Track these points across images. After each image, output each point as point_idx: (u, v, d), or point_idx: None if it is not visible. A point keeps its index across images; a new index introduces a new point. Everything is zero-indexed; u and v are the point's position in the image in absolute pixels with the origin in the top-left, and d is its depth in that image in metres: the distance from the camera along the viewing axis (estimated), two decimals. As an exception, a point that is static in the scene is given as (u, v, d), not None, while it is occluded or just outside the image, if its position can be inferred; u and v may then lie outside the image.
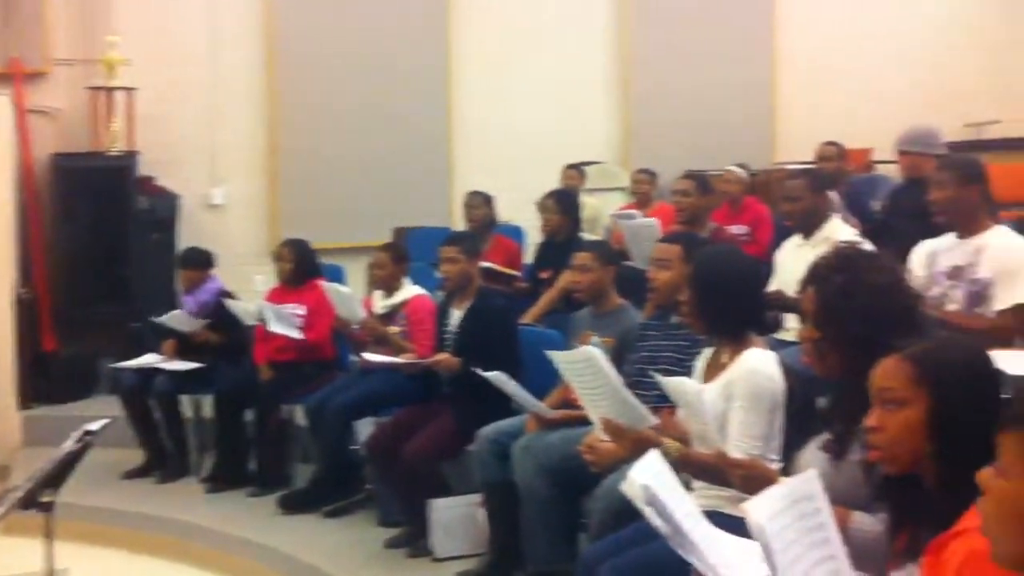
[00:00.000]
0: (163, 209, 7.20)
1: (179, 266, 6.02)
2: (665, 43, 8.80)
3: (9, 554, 4.14)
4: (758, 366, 2.73)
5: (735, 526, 1.94)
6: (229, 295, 5.82)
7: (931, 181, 3.88)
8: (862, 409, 1.88)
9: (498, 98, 8.38)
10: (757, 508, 1.62)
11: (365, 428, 4.83)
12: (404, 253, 5.28)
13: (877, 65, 9.26)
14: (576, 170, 7.70)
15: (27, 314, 6.66)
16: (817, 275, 2.29)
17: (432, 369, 4.55)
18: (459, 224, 6.88)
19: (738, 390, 2.72)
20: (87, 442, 3.26)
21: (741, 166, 6.85)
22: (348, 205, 7.86)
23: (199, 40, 7.59)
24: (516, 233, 7.13)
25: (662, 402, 2.79)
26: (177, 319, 5.70)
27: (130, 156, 7.10)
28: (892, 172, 6.61)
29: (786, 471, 2.37)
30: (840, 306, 2.20)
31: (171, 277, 6.56)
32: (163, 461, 5.65)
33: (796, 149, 8.23)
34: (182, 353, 5.71)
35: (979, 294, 3.69)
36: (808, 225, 4.49)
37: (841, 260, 2.29)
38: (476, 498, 4.14)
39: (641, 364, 3.31)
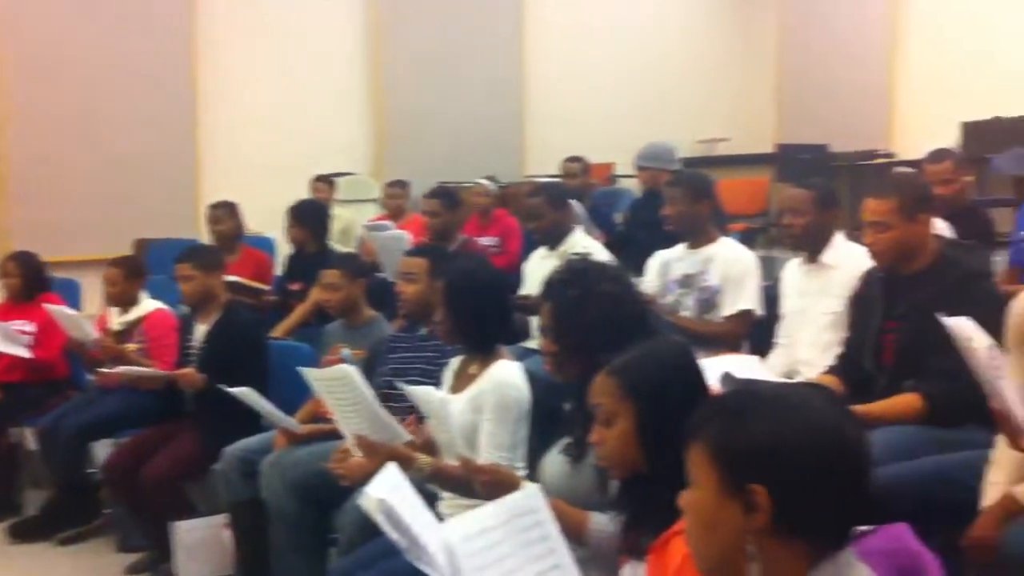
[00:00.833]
0: None
1: None
2: (417, 55, 8.86)
3: None
4: (506, 378, 2.78)
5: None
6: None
7: (665, 196, 4.10)
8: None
9: (246, 105, 8.17)
10: (454, 526, 1.67)
11: (103, 450, 4.58)
12: (139, 267, 5.04)
13: (618, 83, 9.68)
14: (325, 181, 7.62)
15: None
16: (552, 289, 2.37)
17: (174, 387, 4.37)
18: (206, 236, 6.65)
19: (487, 402, 2.76)
20: None
21: (490, 179, 6.99)
22: (84, 216, 7.43)
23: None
24: (266, 244, 6.97)
25: (409, 414, 2.80)
26: None
27: None
28: (633, 186, 6.93)
29: (532, 476, 2.44)
30: (574, 317, 2.28)
31: None
32: None
33: (546, 162, 8.49)
34: None
35: (708, 301, 3.92)
36: (552, 239, 4.65)
37: (573, 273, 2.38)
38: (222, 519, 4.01)
39: (391, 376, 3.30)
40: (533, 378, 2.84)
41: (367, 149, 8.83)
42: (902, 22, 9.59)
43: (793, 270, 3.77)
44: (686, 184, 4.08)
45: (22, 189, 7.31)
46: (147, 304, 4.88)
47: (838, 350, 3.31)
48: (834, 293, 3.50)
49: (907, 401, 2.88)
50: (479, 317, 2.84)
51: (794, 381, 3.10)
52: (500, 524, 1.76)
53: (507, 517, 1.77)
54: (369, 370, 3.48)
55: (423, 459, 2.63)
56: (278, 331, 5.13)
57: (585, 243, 4.55)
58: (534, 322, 4.16)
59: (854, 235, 3.53)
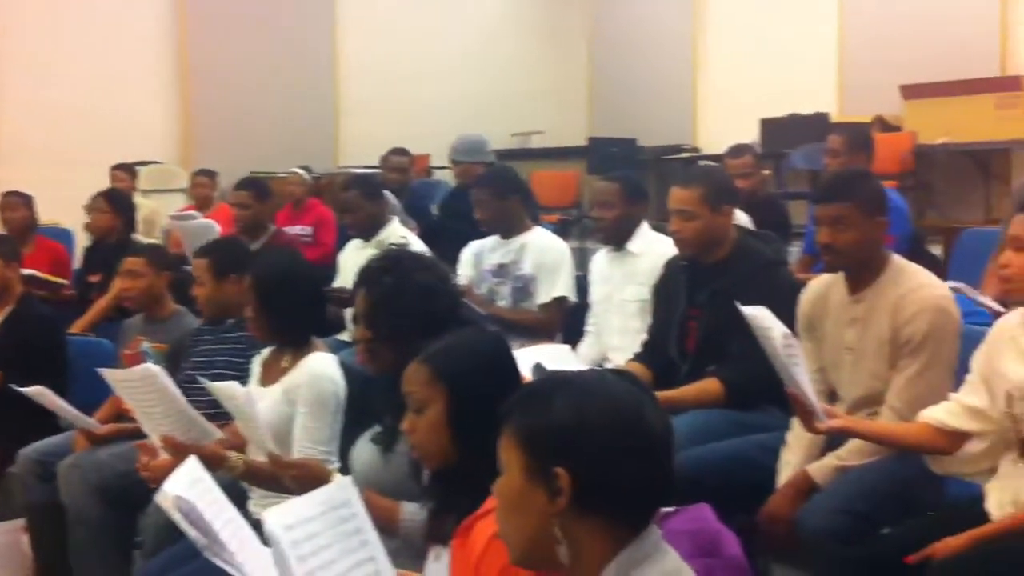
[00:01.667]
0: None
1: None
2: (226, 40, 8.59)
3: None
4: (321, 370, 2.74)
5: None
6: None
7: (473, 200, 4.13)
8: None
9: (42, 91, 7.73)
10: (275, 516, 1.65)
11: None
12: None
13: (434, 75, 9.67)
14: (126, 171, 7.29)
15: None
16: (367, 277, 2.35)
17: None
18: (-2, 226, 6.26)
19: (301, 396, 2.70)
20: None
21: (304, 168, 6.87)
22: None
23: None
24: (64, 237, 6.62)
25: (215, 409, 2.71)
26: None
27: None
28: (449, 177, 6.94)
29: (345, 469, 2.41)
30: (389, 305, 2.27)
31: None
32: None
33: (360, 153, 8.40)
34: None
35: (523, 290, 3.98)
36: (368, 231, 4.61)
37: (389, 262, 2.37)
38: (19, 523, 3.81)
39: (195, 370, 3.20)
40: (348, 370, 2.81)
41: (174, 137, 8.52)
42: (703, 24, 9.96)
43: (601, 259, 3.86)
44: (491, 184, 4.12)
45: None
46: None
47: (645, 337, 3.41)
48: (640, 281, 3.61)
49: (708, 386, 3.00)
50: (289, 310, 2.79)
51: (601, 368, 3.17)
52: (317, 515, 1.73)
53: (323, 509, 1.74)
54: (173, 365, 3.37)
55: (234, 457, 2.56)
56: (77, 327, 4.88)
57: (401, 234, 4.53)
58: (348, 314, 4.11)
59: (660, 225, 3.65)
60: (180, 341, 3.61)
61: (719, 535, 1.68)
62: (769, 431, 2.82)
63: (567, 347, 3.53)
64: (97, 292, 5.14)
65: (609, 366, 3.49)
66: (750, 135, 8.31)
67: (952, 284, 3.11)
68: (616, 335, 3.68)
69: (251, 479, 2.63)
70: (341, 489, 1.79)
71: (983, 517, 2.22)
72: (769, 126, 8.67)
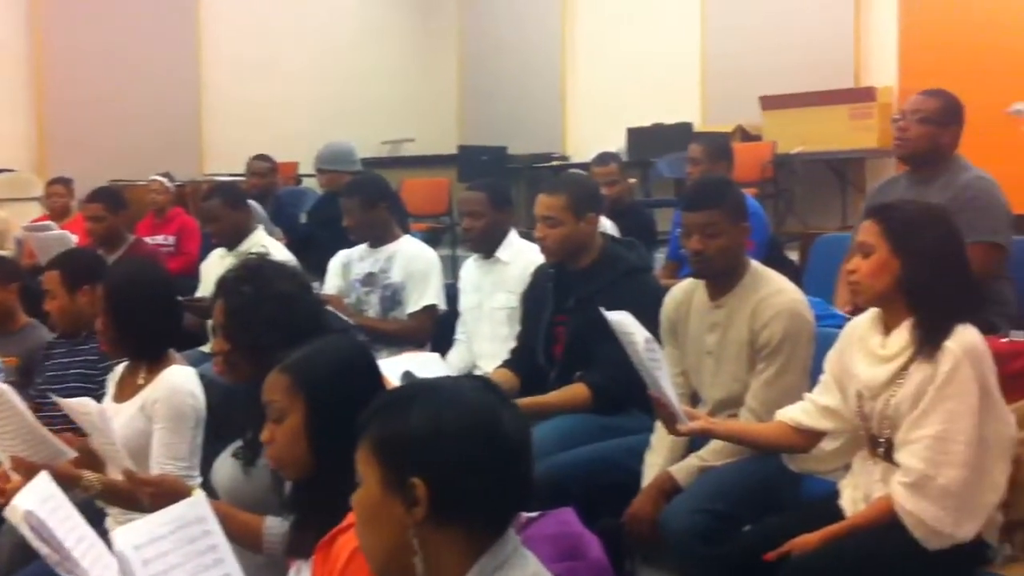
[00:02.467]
0: None
1: None
2: (82, 42, 8.29)
3: None
4: (179, 385, 2.66)
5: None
6: None
7: (342, 208, 4.09)
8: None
9: None
10: (124, 534, 1.60)
11: None
12: None
13: (303, 82, 9.55)
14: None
15: None
16: (225, 286, 2.30)
17: None
18: None
19: (159, 411, 2.62)
20: None
21: (166, 175, 6.68)
22: None
23: None
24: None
25: (70, 424, 2.61)
26: None
27: None
28: (316, 184, 6.85)
29: (207, 484, 2.35)
30: (248, 316, 2.22)
31: None
32: None
33: (226, 159, 8.22)
34: None
35: (392, 299, 3.95)
36: (232, 240, 4.52)
37: (248, 271, 2.32)
38: None
39: (47, 384, 3.07)
40: (209, 383, 2.74)
41: (28, 143, 8.19)
42: (572, 34, 10.10)
43: (470, 267, 3.87)
44: (360, 192, 4.08)
45: None
46: None
47: (514, 344, 3.43)
48: (509, 288, 3.63)
49: (575, 391, 3.04)
50: (143, 322, 2.69)
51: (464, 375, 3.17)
52: (168, 533, 1.69)
53: (174, 527, 1.70)
54: (25, 379, 3.23)
55: (89, 476, 2.46)
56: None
57: (265, 243, 4.45)
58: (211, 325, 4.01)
59: (530, 233, 3.67)
60: (32, 355, 3.47)
61: (581, 538, 1.69)
62: (634, 434, 2.86)
63: (436, 355, 3.52)
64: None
65: (479, 373, 3.49)
66: (617, 144, 8.46)
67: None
68: (486, 342, 3.69)
69: (108, 498, 2.53)
70: (193, 506, 1.75)
71: (838, 513, 2.29)
72: (635, 135, 8.84)
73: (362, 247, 4.08)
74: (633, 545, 2.63)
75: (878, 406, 2.24)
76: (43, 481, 1.92)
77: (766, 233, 4.56)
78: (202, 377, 2.75)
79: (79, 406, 2.41)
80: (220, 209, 4.50)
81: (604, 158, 5.22)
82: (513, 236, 3.79)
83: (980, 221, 3.42)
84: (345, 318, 3.77)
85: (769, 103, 8.21)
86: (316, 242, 5.15)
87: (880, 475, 2.25)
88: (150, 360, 2.72)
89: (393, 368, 2.81)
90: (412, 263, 3.98)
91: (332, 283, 4.08)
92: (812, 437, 2.43)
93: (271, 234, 4.92)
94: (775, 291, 2.70)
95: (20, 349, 3.59)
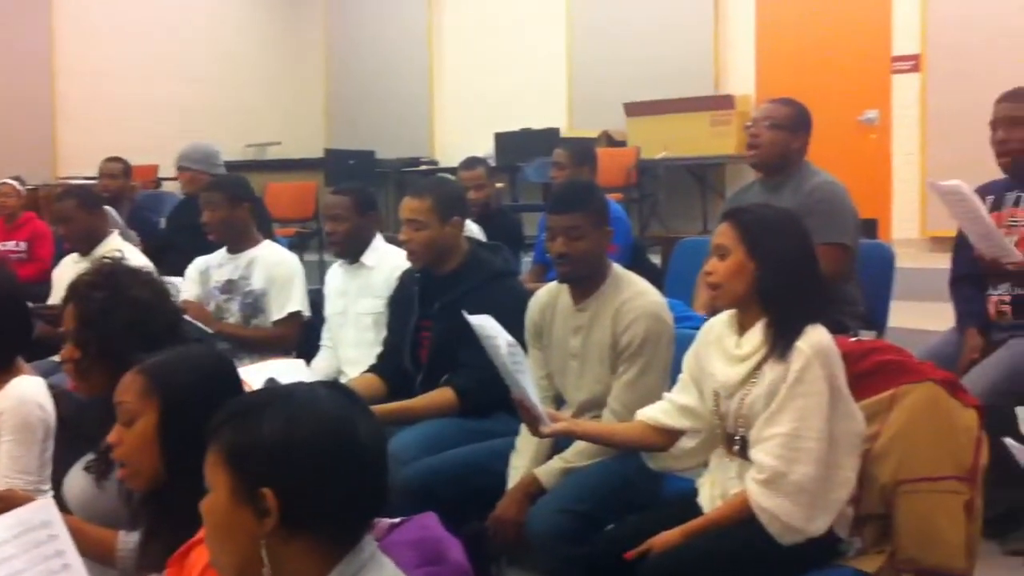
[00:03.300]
0: None
1: None
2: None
3: None
4: (27, 396, 2.54)
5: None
6: None
7: (202, 203, 3.98)
8: (124, 427, 1.85)
9: None
10: None
11: None
12: None
13: (163, 83, 9.31)
14: None
15: None
16: (76, 292, 2.22)
17: None
18: None
19: (6, 423, 2.50)
20: None
21: (17, 179, 6.41)
22: None
23: None
24: None
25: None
26: None
27: None
28: (178, 189, 6.68)
29: (58, 498, 2.26)
30: (100, 322, 2.15)
31: None
32: None
33: (81, 163, 7.94)
34: None
35: (253, 305, 3.86)
36: (85, 244, 4.37)
37: (101, 276, 2.24)
38: None
39: None
40: (62, 394, 2.63)
41: None
42: (440, 39, 10.11)
43: (335, 272, 3.82)
44: (223, 189, 3.98)
45: None
46: None
47: (380, 349, 3.40)
48: (374, 293, 3.60)
49: (442, 395, 3.04)
50: None
51: (315, 381, 3.14)
52: (12, 538, 1.61)
53: (18, 531, 1.62)
54: None
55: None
56: None
57: (120, 247, 4.30)
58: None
59: (396, 238, 3.65)
60: None
61: (443, 542, 1.69)
62: (501, 437, 2.88)
63: (301, 362, 3.46)
64: None
65: (344, 380, 3.45)
66: (485, 148, 8.50)
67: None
68: (351, 348, 3.64)
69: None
70: (38, 511, 1.68)
71: (696, 510, 2.34)
72: (503, 140, 8.90)
73: (220, 253, 3.98)
74: (499, 547, 2.64)
75: (733, 405, 2.30)
76: None
77: (629, 237, 4.64)
78: (53, 388, 2.64)
79: None
80: (74, 211, 4.34)
81: (471, 162, 5.23)
82: (379, 241, 3.76)
83: (828, 224, 3.56)
84: (205, 328, 3.67)
85: (633, 110, 8.38)
86: (175, 248, 5.01)
87: (736, 472, 2.31)
88: (-4, 370, 2.60)
89: (257, 375, 2.75)
90: (274, 269, 3.90)
91: (190, 291, 3.96)
92: (671, 436, 2.48)
93: (127, 239, 4.76)
94: (636, 294, 2.75)
95: None
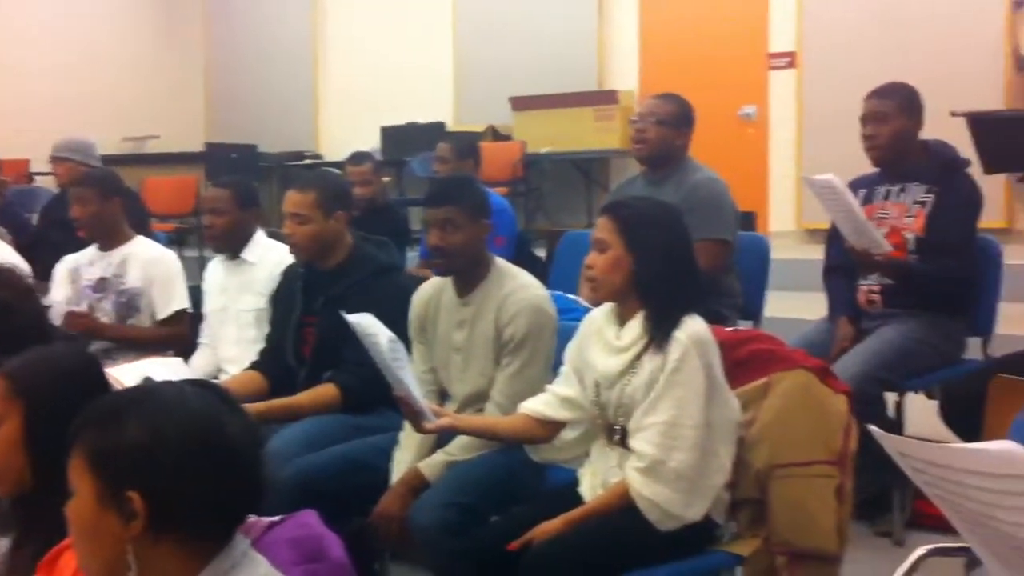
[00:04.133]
0: None
1: None
2: None
3: None
4: None
5: None
6: None
7: (72, 197, 3.85)
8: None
9: None
10: None
11: None
12: None
13: (33, 72, 9.00)
14: None
15: None
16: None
17: None
18: None
19: None
20: None
21: None
22: None
23: None
24: None
25: None
26: None
27: None
28: (52, 184, 6.46)
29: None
30: None
31: None
32: None
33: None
34: None
35: (128, 304, 3.76)
36: (-51, 240, 4.18)
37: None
38: None
39: None
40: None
41: None
42: (324, 32, 10.00)
43: (215, 268, 3.75)
44: (93, 183, 3.86)
45: None
46: None
47: (262, 346, 3.35)
48: (256, 290, 3.54)
49: (325, 391, 3.01)
50: None
51: (182, 379, 3.08)
52: None
53: None
54: None
55: None
56: None
57: (-8, 245, 4.13)
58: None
59: (279, 233, 3.59)
60: None
61: (323, 540, 1.67)
62: (385, 432, 2.86)
63: (179, 360, 3.38)
64: None
65: (224, 378, 3.39)
66: (371, 142, 8.44)
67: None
68: (232, 346, 3.57)
69: None
70: None
71: (578, 500, 2.37)
72: (390, 134, 8.86)
73: (91, 251, 3.85)
74: (382, 543, 2.63)
75: (614, 395, 2.34)
76: None
77: (514, 230, 4.67)
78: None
79: None
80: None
81: (359, 157, 5.19)
82: (260, 236, 3.70)
83: (709, 220, 3.64)
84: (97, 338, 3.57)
85: (519, 104, 8.43)
86: (48, 244, 4.83)
87: (616, 461, 2.34)
88: None
89: (133, 374, 2.68)
90: (152, 267, 3.80)
91: (60, 291, 3.82)
92: (554, 427, 2.51)
93: (-3, 236, 4.57)
94: (519, 287, 2.76)
95: None
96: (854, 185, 3.69)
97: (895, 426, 3.51)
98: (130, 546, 1.27)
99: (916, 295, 3.49)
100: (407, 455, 2.73)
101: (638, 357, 2.31)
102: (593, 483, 2.39)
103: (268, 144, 9.30)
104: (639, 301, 2.34)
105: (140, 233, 3.96)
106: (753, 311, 3.95)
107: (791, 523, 2.32)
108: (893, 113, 3.61)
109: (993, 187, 5.67)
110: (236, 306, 3.59)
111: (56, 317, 3.49)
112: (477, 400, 2.78)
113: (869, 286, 3.62)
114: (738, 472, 2.36)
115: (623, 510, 2.23)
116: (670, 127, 3.86)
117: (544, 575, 2.17)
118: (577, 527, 2.23)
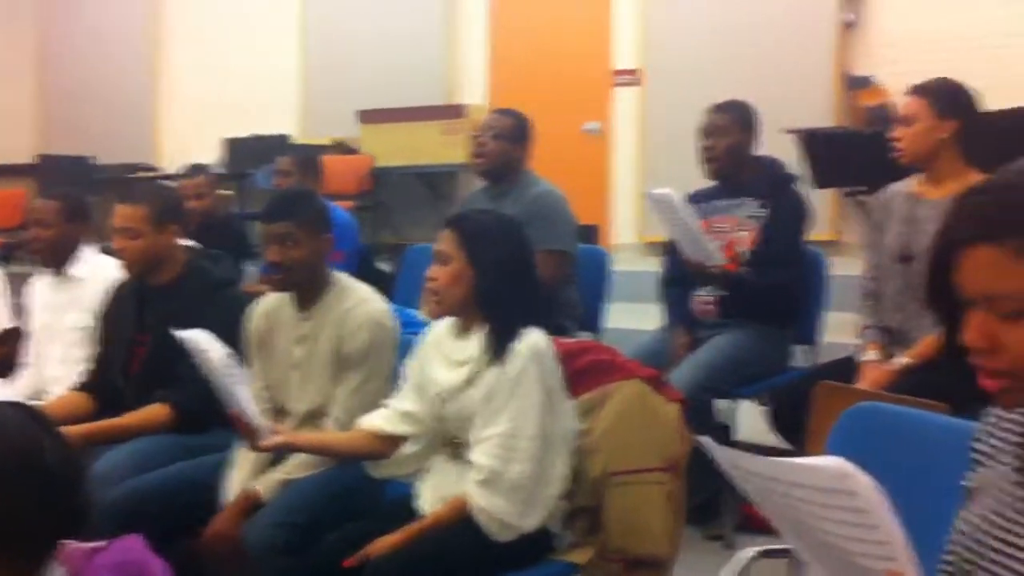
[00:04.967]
0: None
1: None
2: None
3: None
4: None
5: None
6: None
7: None
8: None
9: None
10: None
11: None
12: None
13: None
14: None
15: None
16: None
17: None
18: None
19: None
20: None
21: None
22: None
23: None
24: None
25: None
26: None
27: None
28: None
29: None
30: None
31: None
32: None
33: None
34: None
35: None
36: None
37: None
38: None
39: None
40: None
41: None
42: (164, 41, 9.74)
43: (41, 285, 3.59)
44: None
45: None
46: None
47: (90, 365, 3.22)
48: (84, 307, 3.40)
49: (155, 411, 2.91)
50: None
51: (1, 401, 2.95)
52: None
53: None
54: None
55: None
56: None
57: None
58: None
59: (111, 248, 3.47)
60: None
61: (146, 565, 1.61)
62: (219, 452, 2.79)
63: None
64: None
65: (48, 398, 3.25)
66: (214, 155, 8.26)
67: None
68: (57, 366, 3.43)
69: None
70: None
71: (417, 515, 2.36)
72: (233, 146, 8.68)
73: None
74: (215, 565, 2.55)
75: (453, 408, 2.34)
76: None
77: (356, 244, 4.63)
78: None
79: None
80: None
81: (193, 170, 5.07)
82: (89, 251, 3.56)
83: (549, 232, 3.70)
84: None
85: (367, 117, 8.38)
86: None
87: (456, 475, 2.34)
88: None
89: (-53, 397, 2.54)
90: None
91: None
92: (393, 443, 2.49)
93: None
94: (359, 301, 2.74)
95: None
96: (694, 198, 3.81)
97: (726, 432, 3.63)
98: None
99: (748, 306, 3.61)
100: (241, 474, 2.66)
101: (479, 370, 2.32)
102: (432, 497, 2.38)
103: (106, 155, 8.98)
104: (480, 314, 2.35)
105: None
106: (593, 322, 4.02)
107: (625, 530, 2.36)
108: (730, 127, 3.74)
109: (822, 201, 5.94)
110: (62, 324, 3.45)
111: None
112: (316, 417, 2.74)
113: (704, 297, 3.73)
114: (575, 481, 2.38)
115: (461, 523, 2.23)
116: (508, 141, 3.92)
117: (382, 591, 2.15)
118: (415, 542, 2.22)
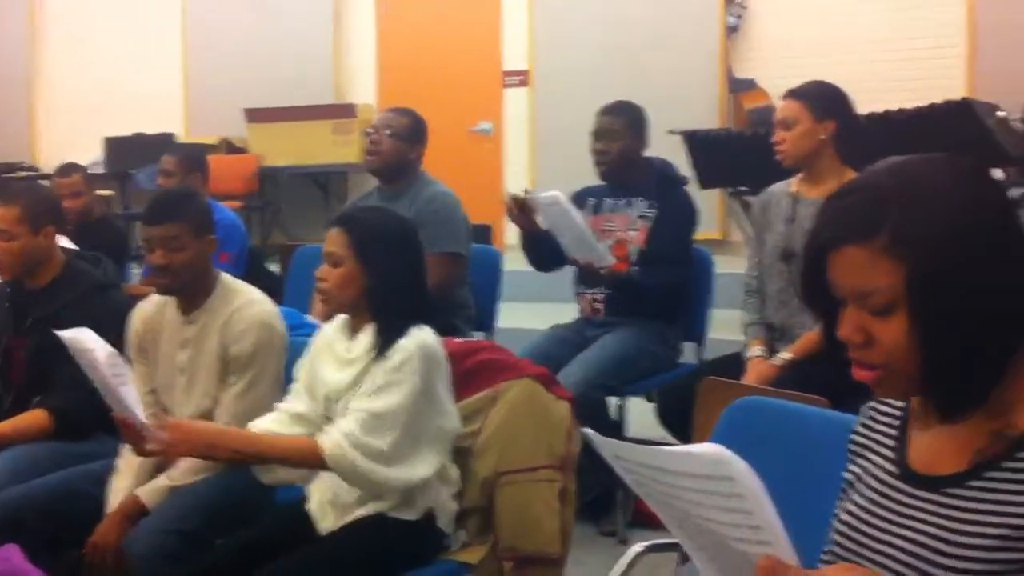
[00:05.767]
0: None
1: None
2: None
3: None
4: None
5: None
6: None
7: None
8: None
9: None
10: None
11: None
12: None
13: None
14: None
15: None
16: None
17: None
18: None
19: None
20: None
21: None
22: None
23: None
24: None
25: None
26: None
27: None
28: None
29: None
30: None
31: None
32: None
33: None
34: None
35: None
36: None
37: None
38: None
39: None
40: None
41: None
42: (41, 38, 9.43)
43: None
44: None
45: None
46: None
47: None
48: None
49: (34, 417, 2.83)
50: None
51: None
52: None
53: None
54: None
55: None
56: None
57: None
58: None
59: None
60: None
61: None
62: (102, 459, 2.71)
63: None
64: None
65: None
66: (95, 154, 8.03)
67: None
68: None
69: None
70: None
71: (307, 518, 2.33)
72: (114, 145, 8.45)
73: None
74: (95, 573, 2.48)
75: (341, 408, 2.31)
76: None
77: (244, 245, 4.54)
78: None
79: None
80: None
81: (67, 169, 4.90)
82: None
83: (442, 234, 3.69)
84: None
85: (254, 116, 8.25)
86: None
87: (343, 474, 2.31)
88: None
89: None
90: None
91: None
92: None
93: None
94: (246, 303, 2.69)
95: None
96: (584, 194, 3.85)
97: (617, 429, 3.68)
98: None
99: (636, 304, 3.67)
100: (125, 481, 2.58)
101: (367, 369, 2.29)
102: (322, 499, 2.35)
103: (-22, 154, 8.66)
104: (370, 313, 2.33)
105: None
106: (486, 322, 4.03)
107: (516, 528, 2.37)
108: (622, 131, 3.80)
109: (708, 201, 6.07)
110: (-68, 330, 3.30)
111: None
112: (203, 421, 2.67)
113: (592, 295, 3.77)
114: (465, 480, 2.38)
115: (352, 529, 2.21)
116: (403, 141, 3.89)
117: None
118: (309, 548, 2.19)
